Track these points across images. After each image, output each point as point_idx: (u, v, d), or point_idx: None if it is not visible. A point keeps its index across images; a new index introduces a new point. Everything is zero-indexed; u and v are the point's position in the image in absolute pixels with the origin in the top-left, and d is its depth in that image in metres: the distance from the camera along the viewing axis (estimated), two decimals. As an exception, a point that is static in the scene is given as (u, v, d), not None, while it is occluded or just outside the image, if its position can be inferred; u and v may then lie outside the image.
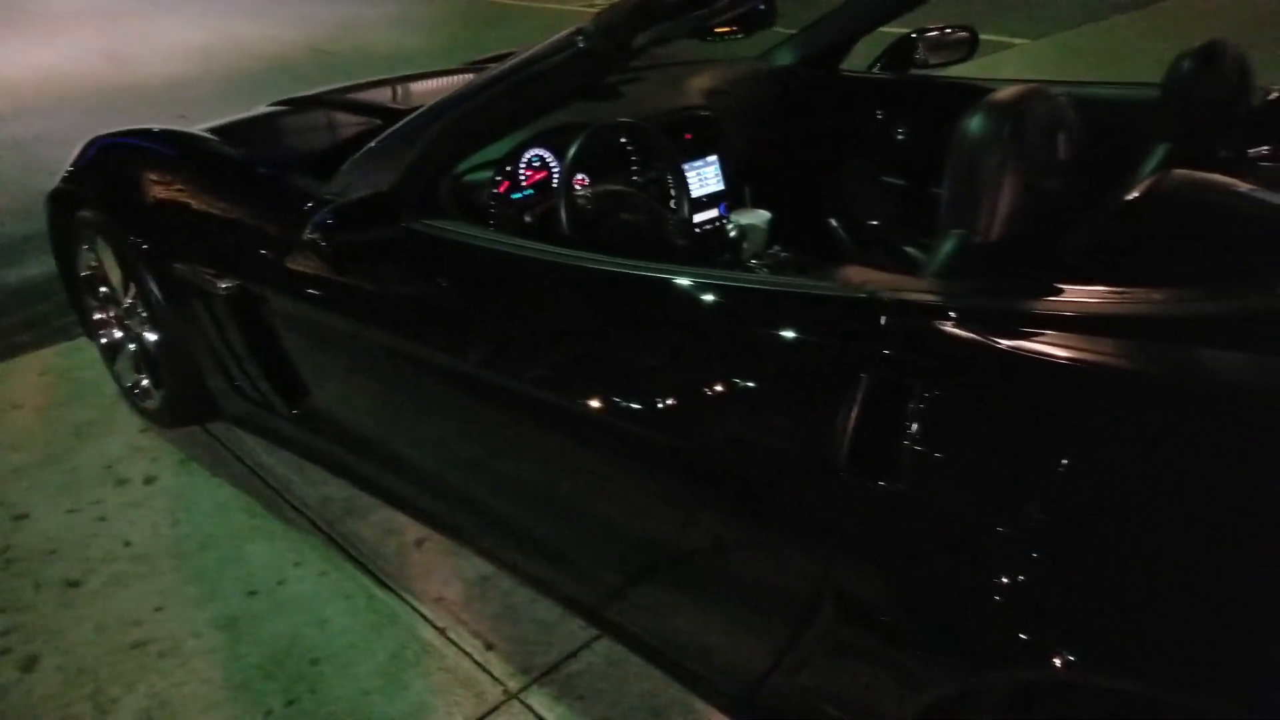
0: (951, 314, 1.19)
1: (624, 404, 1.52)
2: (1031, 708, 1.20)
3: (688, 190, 2.41)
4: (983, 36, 2.92)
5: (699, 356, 1.45)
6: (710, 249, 2.41)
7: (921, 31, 2.83)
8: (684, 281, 1.48)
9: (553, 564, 1.95)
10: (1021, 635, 1.09)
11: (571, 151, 2.13)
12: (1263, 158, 1.83)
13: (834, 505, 1.25)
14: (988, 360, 1.15)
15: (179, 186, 2.40)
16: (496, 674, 2.00)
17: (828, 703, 1.43)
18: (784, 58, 2.98)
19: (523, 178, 2.28)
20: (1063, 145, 1.47)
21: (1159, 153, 1.79)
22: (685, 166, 2.51)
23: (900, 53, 2.85)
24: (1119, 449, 1.06)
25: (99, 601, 2.24)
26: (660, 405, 1.46)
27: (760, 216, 1.99)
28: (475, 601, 2.19)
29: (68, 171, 2.70)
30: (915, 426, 1.15)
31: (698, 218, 2.61)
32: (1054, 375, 1.11)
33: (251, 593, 2.25)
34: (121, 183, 2.53)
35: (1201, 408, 1.04)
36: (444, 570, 2.29)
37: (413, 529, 2.39)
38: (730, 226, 2.00)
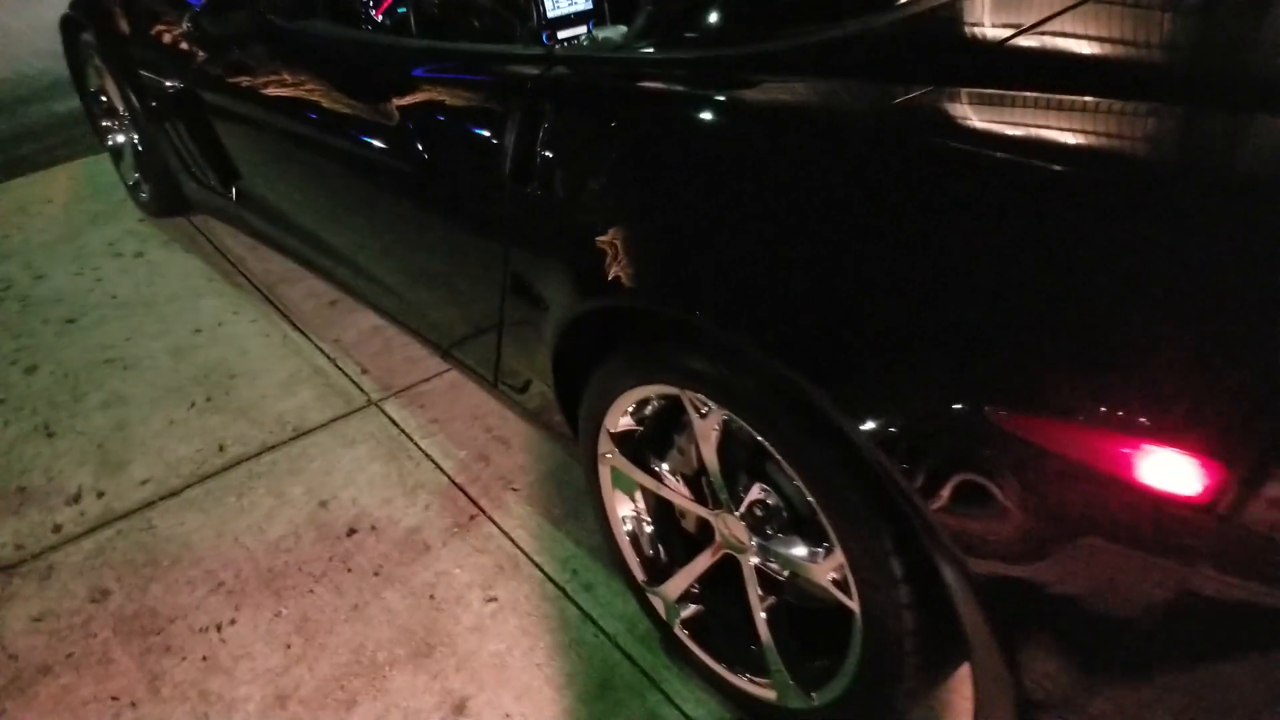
0: (597, 65, 1.64)
1: (395, 151, 2.04)
2: (622, 329, 1.64)
3: (540, 4, 2.79)
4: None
5: (435, 103, 1.92)
6: None
7: None
8: (419, 48, 1.96)
9: (406, 307, 2.47)
10: (605, 277, 1.51)
11: None
12: None
13: (505, 208, 1.75)
14: (607, 97, 1.58)
15: (143, 6, 2.96)
16: (365, 388, 2.62)
17: (522, 350, 1.93)
18: None
19: None
20: None
21: None
22: None
23: None
24: (689, 152, 1.41)
25: (86, 334, 2.93)
26: (409, 150, 1.97)
27: (617, 30, 2.28)
28: (364, 342, 2.81)
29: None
30: (546, 146, 1.62)
31: (565, 34, 3.00)
32: (658, 103, 1.49)
33: (197, 330, 2.90)
34: (103, 5, 3.12)
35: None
36: (346, 322, 2.90)
37: (331, 293, 3.01)
38: (584, 39, 2.35)
